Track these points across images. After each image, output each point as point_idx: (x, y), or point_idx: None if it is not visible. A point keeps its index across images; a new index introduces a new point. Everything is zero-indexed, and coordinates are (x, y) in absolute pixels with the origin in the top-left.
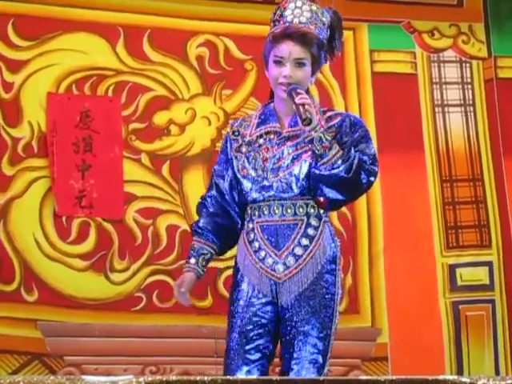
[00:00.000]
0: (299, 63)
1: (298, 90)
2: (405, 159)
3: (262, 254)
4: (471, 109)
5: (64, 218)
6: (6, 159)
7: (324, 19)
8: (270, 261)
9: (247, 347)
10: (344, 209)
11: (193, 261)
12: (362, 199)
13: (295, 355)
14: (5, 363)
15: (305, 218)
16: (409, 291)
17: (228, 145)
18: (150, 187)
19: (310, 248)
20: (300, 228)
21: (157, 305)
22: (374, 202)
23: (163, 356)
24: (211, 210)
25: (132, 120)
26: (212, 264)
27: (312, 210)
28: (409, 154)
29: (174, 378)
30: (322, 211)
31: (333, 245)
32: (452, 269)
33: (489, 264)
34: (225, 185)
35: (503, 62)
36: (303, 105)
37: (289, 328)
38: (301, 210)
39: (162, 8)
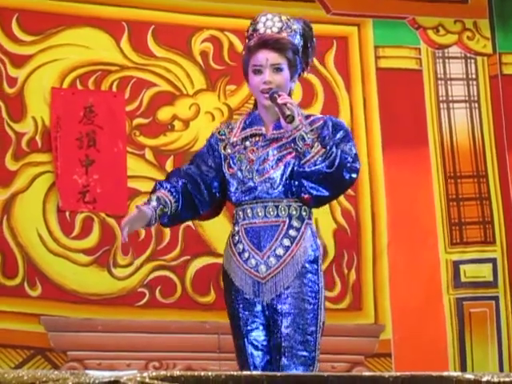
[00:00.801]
0: (277, 68)
1: (280, 93)
2: (409, 155)
3: (246, 255)
4: (476, 105)
5: (67, 213)
6: (9, 154)
7: (295, 27)
8: (253, 261)
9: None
10: (348, 205)
11: (154, 204)
12: (366, 195)
13: (283, 353)
14: (8, 358)
15: (287, 220)
16: (412, 287)
17: (214, 141)
18: (153, 183)
19: (291, 248)
20: (282, 229)
21: (160, 300)
22: (377, 198)
23: (166, 351)
24: (183, 175)
25: (136, 115)
26: (214, 260)
27: (294, 212)
28: (413, 150)
29: (178, 372)
30: (304, 213)
31: (314, 246)
32: (456, 265)
33: (493, 261)
34: (204, 167)
35: (508, 58)
36: (285, 104)
37: (275, 327)
38: (283, 211)
39: (166, 3)
